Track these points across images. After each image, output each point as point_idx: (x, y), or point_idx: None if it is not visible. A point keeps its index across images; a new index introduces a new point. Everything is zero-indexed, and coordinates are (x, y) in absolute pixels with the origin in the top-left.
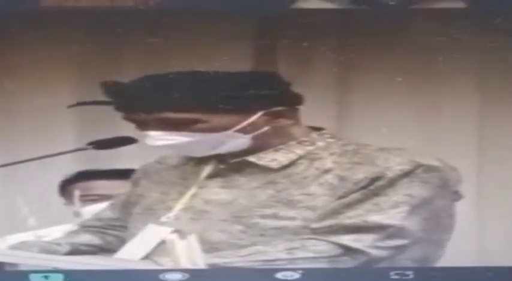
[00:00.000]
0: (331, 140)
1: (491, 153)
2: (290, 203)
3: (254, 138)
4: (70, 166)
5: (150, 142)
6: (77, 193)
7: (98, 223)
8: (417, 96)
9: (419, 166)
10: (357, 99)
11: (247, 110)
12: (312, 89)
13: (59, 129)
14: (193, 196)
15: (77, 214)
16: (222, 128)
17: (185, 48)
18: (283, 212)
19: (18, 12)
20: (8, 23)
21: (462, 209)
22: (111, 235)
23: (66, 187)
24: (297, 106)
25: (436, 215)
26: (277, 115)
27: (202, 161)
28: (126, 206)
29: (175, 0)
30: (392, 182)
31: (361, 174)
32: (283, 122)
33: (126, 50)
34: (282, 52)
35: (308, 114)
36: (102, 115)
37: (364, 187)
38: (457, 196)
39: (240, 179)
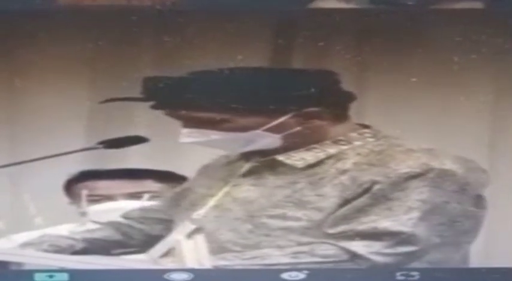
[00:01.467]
0: (370, 139)
1: (504, 154)
2: (300, 204)
3: (284, 137)
4: (79, 165)
5: (181, 138)
6: (84, 192)
7: (135, 213)
8: (433, 96)
9: (430, 169)
10: (373, 99)
11: (276, 111)
12: None
13: (69, 129)
14: (227, 193)
15: (83, 214)
16: (249, 127)
17: (201, 47)
18: (292, 212)
19: (34, 11)
20: (23, 22)
21: None
22: (136, 229)
23: (71, 186)
24: (347, 104)
25: (451, 220)
26: (310, 116)
27: (247, 158)
28: (176, 198)
29: (192, 0)
30: (395, 186)
31: (367, 176)
32: (316, 123)
33: (142, 49)
34: (299, 52)
35: None
36: (112, 115)
37: (367, 190)
38: (479, 200)
39: (269, 178)
